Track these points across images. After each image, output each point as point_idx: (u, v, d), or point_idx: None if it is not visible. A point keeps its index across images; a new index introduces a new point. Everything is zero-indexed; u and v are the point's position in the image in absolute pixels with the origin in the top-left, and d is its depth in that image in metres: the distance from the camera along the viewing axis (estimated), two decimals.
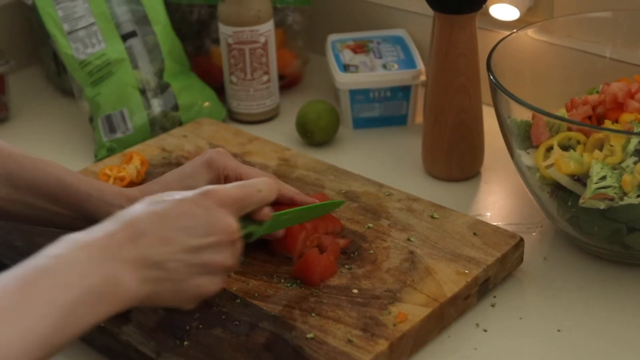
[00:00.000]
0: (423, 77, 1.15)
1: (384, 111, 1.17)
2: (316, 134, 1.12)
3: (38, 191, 0.81)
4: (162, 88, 1.15)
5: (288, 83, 1.28)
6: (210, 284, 0.70)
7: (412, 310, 0.78)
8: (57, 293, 0.61)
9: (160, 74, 1.16)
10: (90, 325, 0.63)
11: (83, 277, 0.62)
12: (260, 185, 0.75)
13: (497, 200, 1.02)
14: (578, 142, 0.86)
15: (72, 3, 1.15)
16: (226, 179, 0.85)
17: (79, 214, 0.82)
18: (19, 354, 0.58)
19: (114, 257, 0.64)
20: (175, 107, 1.16)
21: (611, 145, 0.83)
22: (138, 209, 0.69)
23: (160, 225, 0.68)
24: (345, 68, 1.17)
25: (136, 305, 0.67)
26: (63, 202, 0.82)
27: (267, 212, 0.77)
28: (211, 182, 0.84)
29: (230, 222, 0.71)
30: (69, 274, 0.62)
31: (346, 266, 0.84)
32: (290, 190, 0.87)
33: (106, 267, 0.64)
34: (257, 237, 0.78)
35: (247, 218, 0.76)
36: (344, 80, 1.15)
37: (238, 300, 0.81)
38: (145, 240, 0.66)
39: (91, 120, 1.15)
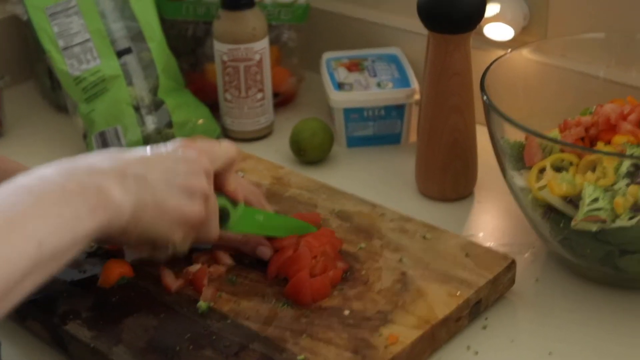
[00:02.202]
0: (417, 96, 1.15)
1: (378, 130, 1.17)
2: (310, 152, 1.12)
3: None
4: (157, 105, 1.15)
5: (283, 101, 1.28)
6: (191, 205, 0.76)
7: (403, 332, 0.78)
8: (56, 198, 0.67)
9: (154, 90, 1.16)
10: (90, 232, 0.68)
11: (80, 185, 0.69)
12: (220, 141, 0.84)
13: (489, 221, 1.02)
14: (571, 164, 0.86)
15: (68, 19, 1.16)
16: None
17: None
18: (29, 254, 0.63)
19: (94, 172, 0.71)
20: (170, 124, 1.16)
21: (604, 167, 0.84)
22: (121, 150, 0.77)
23: (138, 153, 0.76)
24: (340, 86, 1.17)
25: (127, 221, 0.72)
26: None
27: (235, 186, 0.84)
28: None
29: (203, 158, 0.78)
30: (66, 183, 0.69)
31: (338, 287, 0.84)
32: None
33: (93, 179, 0.70)
34: (232, 227, 0.83)
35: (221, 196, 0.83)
36: (338, 99, 1.15)
37: (229, 321, 0.80)
38: (124, 159, 0.74)
39: (85, 136, 1.15)
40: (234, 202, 0.85)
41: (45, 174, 0.70)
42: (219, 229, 0.82)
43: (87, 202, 0.69)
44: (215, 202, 0.81)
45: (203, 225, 0.79)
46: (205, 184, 0.77)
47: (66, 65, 1.14)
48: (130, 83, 1.14)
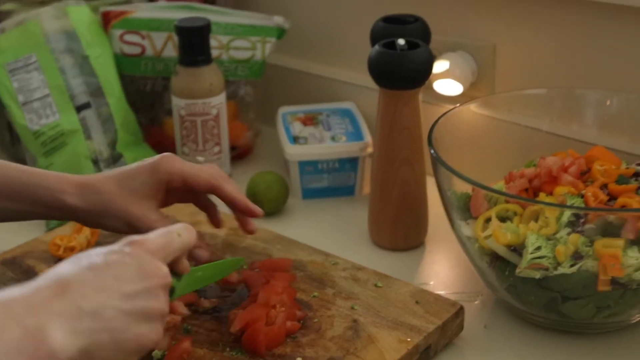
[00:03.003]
0: (370, 149, 1.19)
1: (332, 182, 1.21)
2: (266, 204, 1.15)
3: None
4: (115, 158, 1.18)
5: (240, 154, 1.31)
6: (150, 332, 0.68)
7: None
8: None
9: (113, 144, 1.18)
10: None
11: (2, 330, 0.60)
12: (180, 230, 0.75)
13: (440, 270, 1.05)
14: (515, 214, 0.90)
15: (28, 75, 1.18)
16: (168, 183, 0.88)
17: (27, 205, 0.86)
18: None
19: (39, 311, 0.62)
20: None
21: (546, 217, 0.87)
22: (65, 265, 0.67)
23: (92, 275, 0.66)
24: (295, 140, 1.21)
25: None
26: (9, 196, 0.86)
27: (186, 265, 0.78)
28: (152, 187, 0.87)
29: (160, 266, 0.70)
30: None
31: (291, 335, 0.86)
32: (210, 173, 0.89)
33: (28, 321, 0.61)
34: (178, 296, 0.78)
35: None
36: (293, 152, 1.19)
37: None
38: (76, 291, 0.64)
39: None
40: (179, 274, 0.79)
41: None
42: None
43: (24, 354, 0.60)
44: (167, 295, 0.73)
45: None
46: (163, 303, 0.70)
47: (25, 120, 1.16)
48: (89, 137, 1.16)
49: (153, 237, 0.73)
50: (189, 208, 1.10)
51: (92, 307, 0.65)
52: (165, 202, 0.91)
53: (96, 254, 0.68)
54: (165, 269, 0.71)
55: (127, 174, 0.88)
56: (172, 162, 0.89)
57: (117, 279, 0.67)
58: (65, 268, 0.66)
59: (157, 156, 0.89)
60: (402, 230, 1.07)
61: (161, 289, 0.70)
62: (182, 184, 0.89)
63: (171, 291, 0.76)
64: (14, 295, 0.63)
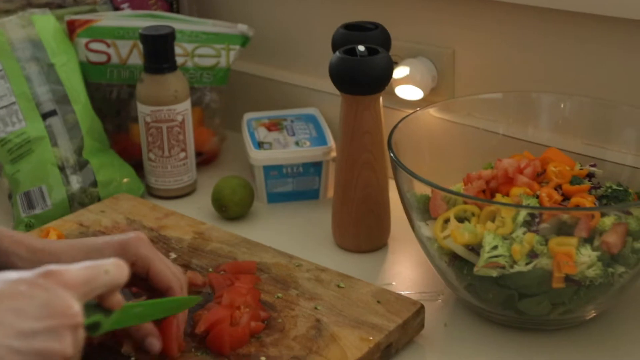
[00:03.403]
0: (334, 154, 1.21)
1: (297, 186, 1.23)
2: (231, 208, 1.17)
3: None
4: (81, 165, 1.19)
5: (206, 159, 1.33)
6: None
7: None
8: None
9: (79, 151, 1.19)
10: None
11: None
12: (109, 267, 0.70)
13: (402, 270, 1.07)
14: (473, 214, 0.92)
15: None
16: (133, 266, 0.82)
17: None
18: None
19: None
20: (94, 184, 1.19)
21: (502, 217, 0.89)
22: None
23: None
24: (260, 145, 1.23)
25: None
26: None
27: (118, 299, 0.72)
28: None
29: (71, 304, 0.64)
30: None
31: (255, 335, 0.88)
32: (174, 275, 0.84)
33: None
34: (105, 330, 0.73)
35: (97, 306, 0.72)
36: (258, 157, 1.21)
37: None
38: None
39: (10, 197, 1.18)
40: (109, 310, 0.74)
41: None
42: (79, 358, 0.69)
43: None
44: (79, 344, 0.67)
45: None
46: (67, 345, 0.64)
47: None
48: (55, 144, 1.18)
49: (75, 270, 0.67)
50: (155, 213, 1.12)
51: None
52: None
53: (3, 281, 0.63)
54: (76, 308, 0.65)
55: (94, 246, 0.83)
56: (141, 245, 0.84)
57: (17, 313, 0.61)
58: None
59: (126, 235, 0.85)
60: (364, 232, 1.09)
61: (68, 329, 0.64)
62: (144, 271, 0.84)
63: (96, 326, 0.72)
64: None
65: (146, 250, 0.84)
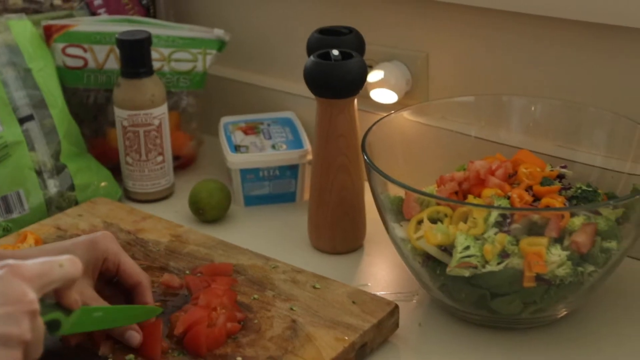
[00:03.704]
0: (310, 157, 1.22)
1: (273, 189, 1.24)
2: (208, 211, 1.18)
3: None
4: (59, 169, 1.19)
5: (183, 163, 1.34)
6: (3, 358, 0.66)
7: None
8: None
9: (56, 155, 1.20)
10: None
11: None
12: (63, 261, 0.73)
13: (377, 272, 1.09)
14: (445, 215, 0.94)
15: None
16: (104, 262, 0.87)
17: None
18: None
19: None
20: (72, 188, 1.20)
21: (474, 218, 0.91)
22: None
23: None
24: (237, 148, 1.24)
25: None
26: None
27: (75, 298, 0.76)
28: (88, 263, 0.86)
29: (27, 292, 0.68)
30: None
31: (232, 336, 0.89)
32: (143, 272, 0.88)
33: None
34: (65, 331, 0.77)
35: (56, 306, 0.76)
36: (235, 160, 1.22)
37: None
38: None
39: None
40: (69, 310, 0.78)
41: None
42: (41, 352, 0.73)
43: None
44: (38, 336, 0.71)
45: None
46: (25, 330, 0.68)
47: None
48: (32, 148, 1.18)
49: (29, 264, 0.71)
50: (132, 216, 1.13)
51: None
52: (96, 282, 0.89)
53: None
54: (32, 296, 0.68)
55: (63, 248, 0.86)
56: (109, 242, 0.88)
57: None
58: None
59: (94, 234, 0.88)
60: (340, 234, 1.11)
61: (25, 315, 0.68)
62: (115, 267, 0.88)
63: (56, 325, 0.75)
64: None
65: (116, 246, 0.88)
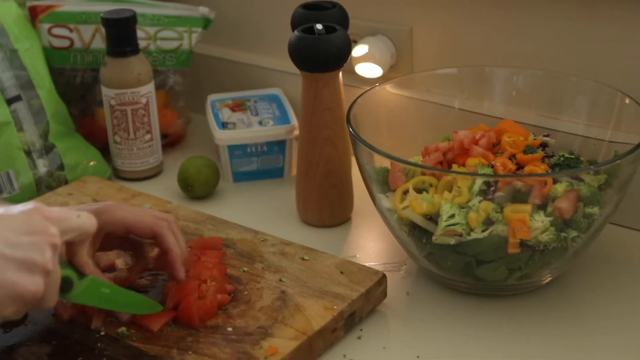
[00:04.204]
0: (297, 132, 1.23)
1: (261, 165, 1.25)
2: (197, 187, 1.19)
3: None
4: (48, 149, 1.20)
5: (171, 141, 1.35)
6: (28, 284, 0.70)
7: (282, 344, 0.85)
8: None
9: (45, 135, 1.21)
10: None
11: None
12: (80, 212, 0.78)
13: (365, 243, 1.10)
14: (431, 185, 0.95)
15: None
16: (108, 233, 0.88)
17: None
18: None
19: None
20: (61, 167, 1.21)
21: (459, 187, 0.92)
22: None
23: None
24: (224, 125, 1.25)
25: None
26: None
27: (86, 262, 0.80)
28: None
29: (50, 226, 0.73)
30: None
31: (222, 307, 0.90)
32: (156, 218, 0.89)
33: None
34: (75, 296, 0.80)
35: (69, 265, 0.80)
36: (222, 137, 1.23)
37: (119, 343, 0.86)
38: None
39: None
40: (81, 273, 0.81)
41: None
42: (56, 300, 0.77)
43: None
44: (57, 276, 0.76)
45: (39, 300, 0.74)
46: (48, 259, 0.72)
47: None
48: (20, 129, 1.19)
49: (52, 208, 0.76)
50: (122, 194, 1.14)
51: None
52: (104, 248, 0.91)
53: None
54: (54, 230, 0.73)
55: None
56: (113, 212, 0.89)
57: (6, 228, 0.71)
58: None
59: (97, 204, 0.89)
60: (327, 207, 1.12)
61: (48, 245, 0.72)
62: (125, 232, 0.89)
63: (69, 284, 0.79)
64: None
65: (118, 213, 0.89)
